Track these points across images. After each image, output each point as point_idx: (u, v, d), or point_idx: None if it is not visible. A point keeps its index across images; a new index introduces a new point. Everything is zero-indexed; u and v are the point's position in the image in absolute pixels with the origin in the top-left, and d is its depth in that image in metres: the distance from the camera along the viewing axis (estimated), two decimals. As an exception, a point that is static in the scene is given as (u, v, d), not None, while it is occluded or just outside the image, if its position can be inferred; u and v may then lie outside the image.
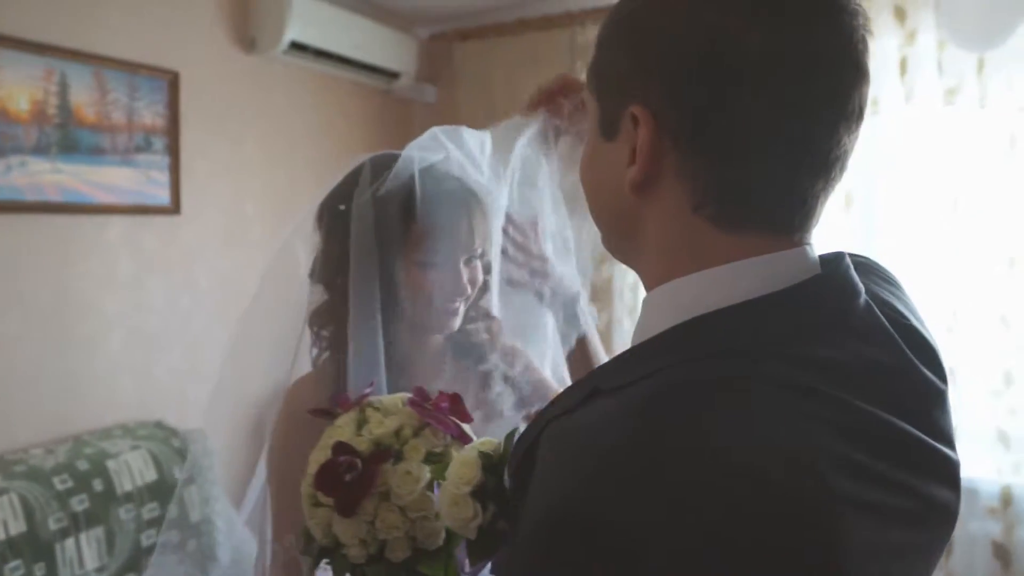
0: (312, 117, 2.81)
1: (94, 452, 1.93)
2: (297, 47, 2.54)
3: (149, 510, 1.99)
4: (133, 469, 1.98)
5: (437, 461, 0.75)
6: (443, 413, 0.80)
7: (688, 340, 0.52)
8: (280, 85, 2.67)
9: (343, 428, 0.81)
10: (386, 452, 0.75)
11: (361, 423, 0.85)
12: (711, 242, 0.54)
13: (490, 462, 0.63)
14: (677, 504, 0.42)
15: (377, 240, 1.08)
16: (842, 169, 0.54)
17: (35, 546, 1.72)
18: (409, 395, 0.87)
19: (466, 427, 0.85)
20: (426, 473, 0.74)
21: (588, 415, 0.51)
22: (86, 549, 1.81)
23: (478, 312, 1.22)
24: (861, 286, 0.57)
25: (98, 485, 1.88)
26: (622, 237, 0.61)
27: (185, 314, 2.38)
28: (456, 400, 0.84)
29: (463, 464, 0.64)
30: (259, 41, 2.52)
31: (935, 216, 2.36)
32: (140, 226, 2.25)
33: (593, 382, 0.55)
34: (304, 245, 1.29)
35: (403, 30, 3.02)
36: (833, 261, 0.57)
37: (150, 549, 1.95)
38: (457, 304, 1.09)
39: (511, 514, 0.58)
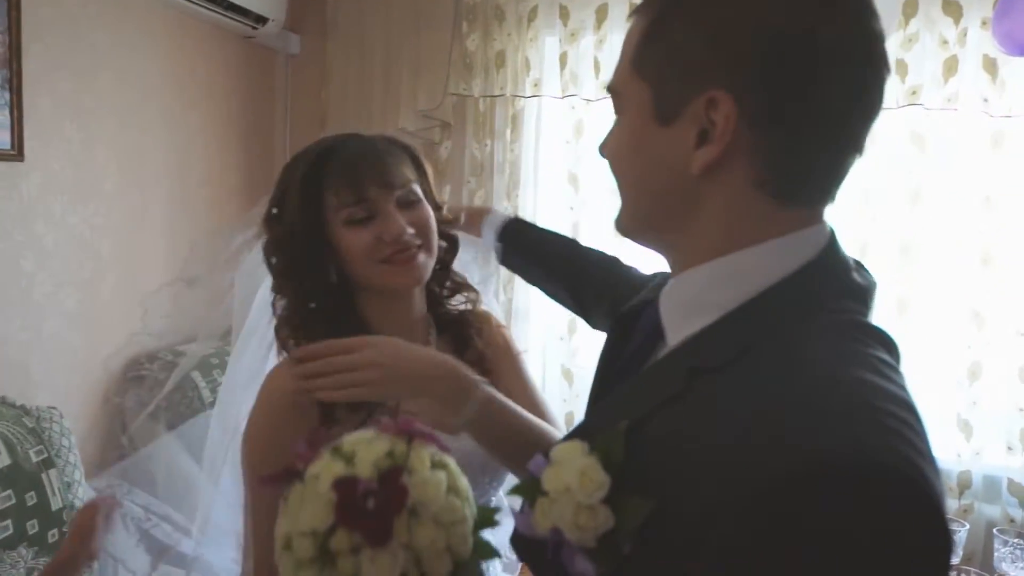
0: (169, 59, 2.53)
1: (-66, 436, 1.64)
2: (159, -22, 2.27)
3: (3, 499, 1.73)
4: (-18, 453, 1.72)
5: (442, 468, 0.69)
6: (418, 429, 0.71)
7: (767, 311, 0.58)
8: (134, 18, 2.37)
9: (325, 471, 0.68)
10: (398, 467, 0.66)
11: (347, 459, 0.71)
12: (768, 216, 0.59)
13: (609, 462, 0.58)
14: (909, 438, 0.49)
15: (305, 224, 1.05)
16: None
17: None
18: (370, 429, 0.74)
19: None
20: (441, 476, 0.68)
21: (741, 385, 0.54)
22: (-69, 549, 1.55)
23: (456, 284, 1.20)
24: None
25: (-58, 474, 1.61)
26: (665, 216, 0.63)
27: (27, 276, 2.07)
28: (418, 425, 0.72)
29: (580, 470, 0.58)
30: (116, -33, 2.22)
31: (896, 210, 2.51)
32: (-26, 172, 1.92)
33: (688, 363, 0.58)
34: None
35: (271, -29, 2.79)
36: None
37: (6, 541, 1.71)
38: (412, 252, 1.05)
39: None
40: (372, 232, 1.03)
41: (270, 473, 0.72)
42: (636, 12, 0.64)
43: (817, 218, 0.61)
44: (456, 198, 2.86)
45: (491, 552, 0.71)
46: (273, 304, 1.12)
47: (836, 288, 0.59)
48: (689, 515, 0.52)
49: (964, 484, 2.53)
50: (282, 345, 1.09)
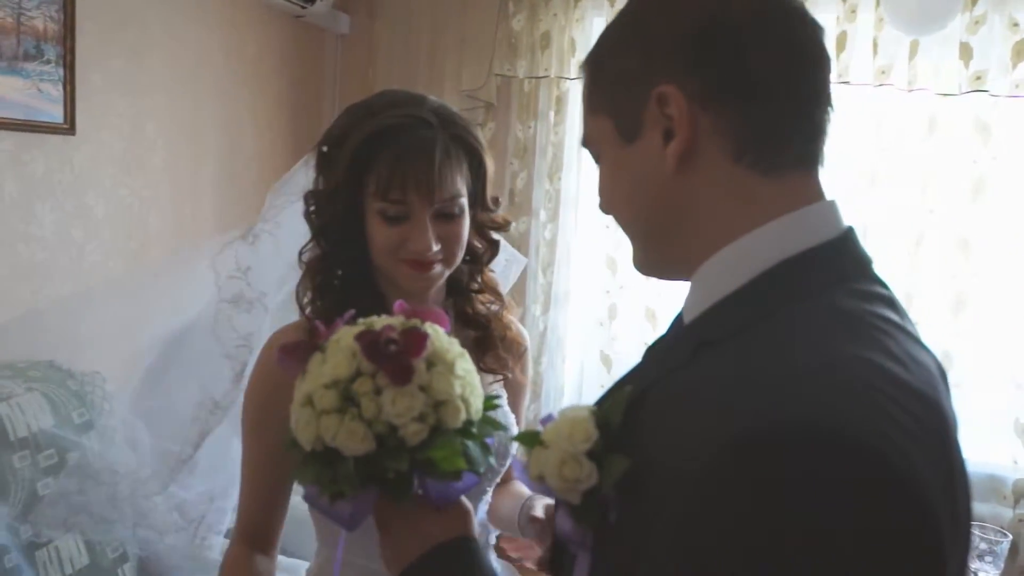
0: (219, 37, 2.59)
1: (-18, 394, 1.73)
2: (210, -42, 2.32)
3: (46, 457, 1.82)
4: (27, 413, 1.80)
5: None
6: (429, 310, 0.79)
7: (773, 288, 0.59)
8: (187, -2, 2.44)
9: (345, 335, 0.75)
10: (416, 326, 0.75)
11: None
12: (758, 191, 0.61)
13: (606, 421, 0.61)
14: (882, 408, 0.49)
15: (348, 186, 1.01)
16: (832, 103, 0.64)
17: (-82, 497, 1.54)
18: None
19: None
20: (453, 340, 0.77)
21: (733, 355, 0.55)
22: (-25, 499, 1.64)
23: (484, 285, 1.16)
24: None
25: (-12, 430, 1.70)
26: (668, 232, 0.65)
27: (78, 246, 2.16)
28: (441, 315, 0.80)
29: (574, 422, 0.61)
30: (167, -54, 2.27)
31: (849, 190, 2.45)
32: (28, 144, 2.00)
33: (695, 337, 0.61)
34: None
35: (322, -49, 2.82)
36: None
37: (48, 499, 1.79)
38: (431, 264, 1.01)
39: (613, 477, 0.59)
40: (400, 233, 0.99)
41: (292, 342, 0.78)
42: (580, 70, 0.72)
43: (813, 192, 0.62)
44: (499, 180, 2.84)
45: (498, 425, 0.79)
46: (300, 257, 1.08)
47: (847, 272, 0.60)
48: (663, 477, 0.53)
49: (1020, 492, 2.40)
50: (299, 305, 1.09)
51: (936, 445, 0.51)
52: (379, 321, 0.76)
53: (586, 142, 0.71)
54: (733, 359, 0.55)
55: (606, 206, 0.70)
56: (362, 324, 0.76)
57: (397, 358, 0.71)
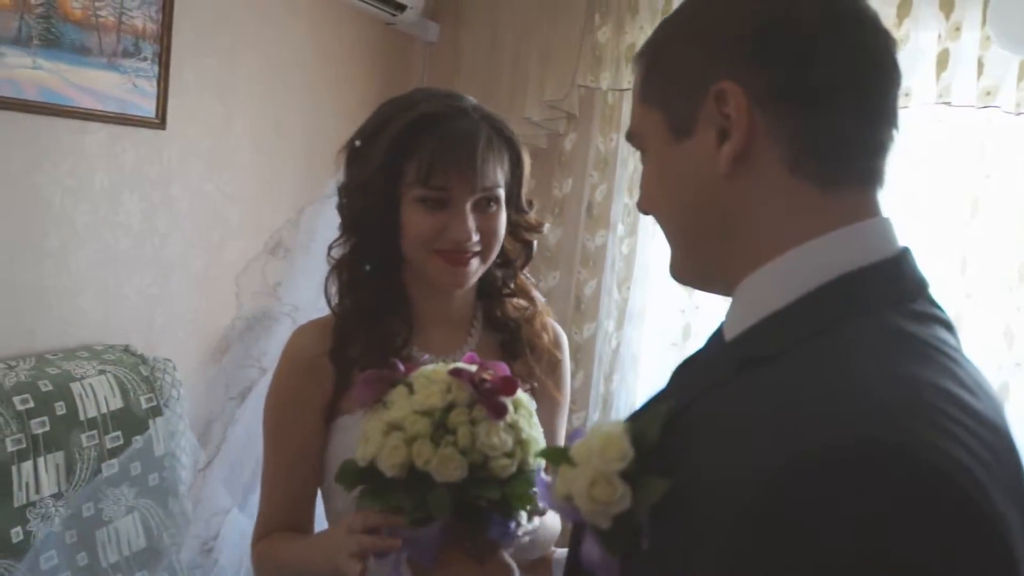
0: (310, 41, 2.65)
1: (58, 373, 1.81)
2: (303, -37, 2.37)
3: (112, 439, 1.88)
4: (98, 394, 1.87)
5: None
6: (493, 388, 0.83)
7: (828, 304, 0.54)
8: (279, 1, 2.50)
9: (434, 372, 0.84)
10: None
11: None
12: (814, 205, 0.57)
13: (642, 438, 0.56)
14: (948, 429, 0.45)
15: (385, 174, 0.99)
16: (899, 122, 0.60)
17: (-10, 466, 1.61)
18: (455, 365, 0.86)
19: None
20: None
21: (786, 371, 0.51)
22: (43, 474, 1.70)
23: (518, 289, 1.12)
24: None
25: (60, 408, 1.76)
26: (711, 238, 0.61)
27: (161, 236, 2.24)
28: (509, 383, 0.85)
29: (607, 439, 0.56)
30: (264, -49, 2.34)
31: (951, 217, 2.30)
32: (121, 137, 2.09)
33: (739, 353, 0.57)
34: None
35: (414, -40, 2.85)
36: None
37: (111, 479, 1.85)
38: (467, 256, 0.99)
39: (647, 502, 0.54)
40: (438, 221, 0.98)
41: (373, 374, 0.86)
42: (634, 60, 0.68)
43: (870, 208, 0.58)
44: (578, 191, 2.80)
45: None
46: (329, 252, 1.07)
47: (903, 293, 0.56)
48: (707, 496, 0.48)
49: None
50: (327, 299, 1.07)
51: (1012, 481, 0.47)
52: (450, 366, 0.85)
53: (631, 135, 0.68)
54: (786, 375, 0.51)
55: (647, 205, 0.67)
56: (441, 365, 0.86)
57: (495, 394, 0.78)
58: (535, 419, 0.84)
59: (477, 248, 0.99)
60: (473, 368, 0.83)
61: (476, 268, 1.01)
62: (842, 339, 0.52)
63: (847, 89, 0.57)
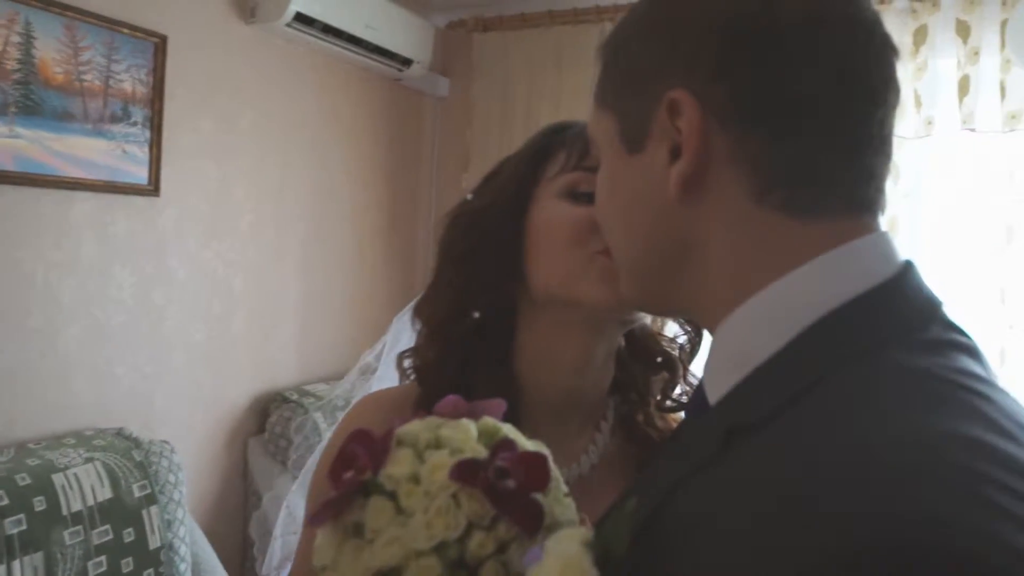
0: (313, 100, 2.56)
1: (38, 464, 1.64)
2: (302, 20, 2.29)
3: (100, 534, 1.70)
4: (84, 485, 1.70)
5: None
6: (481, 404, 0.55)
7: (816, 350, 0.45)
8: (280, 61, 2.41)
9: (440, 461, 0.51)
10: (507, 439, 0.53)
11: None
12: (785, 235, 0.48)
13: (607, 554, 0.43)
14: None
15: (510, 194, 0.77)
16: (891, 149, 0.51)
17: (-44, 575, 1.44)
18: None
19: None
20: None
21: (777, 445, 0.42)
22: (19, 580, 1.52)
23: (664, 360, 0.83)
24: None
25: (39, 504, 1.59)
26: (669, 270, 0.52)
27: (157, 310, 2.10)
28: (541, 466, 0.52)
29: (564, 563, 0.43)
30: (260, 9, 2.26)
31: (985, 246, 2.16)
32: (110, 206, 1.98)
33: (725, 421, 0.47)
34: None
35: (420, 14, 2.78)
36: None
37: (97, 581, 1.66)
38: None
39: None
40: (591, 213, 0.70)
41: (324, 501, 0.51)
42: (596, 54, 0.59)
43: (860, 229, 0.48)
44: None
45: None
46: (415, 313, 0.84)
47: (907, 322, 0.46)
48: None
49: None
50: (400, 370, 0.85)
51: None
52: (450, 433, 0.53)
53: (588, 139, 0.61)
54: (777, 451, 0.42)
55: (599, 220, 0.60)
56: (427, 424, 0.54)
57: (522, 497, 0.50)
58: (564, 489, 0.54)
59: None
60: (477, 445, 0.53)
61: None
62: (840, 394, 0.43)
63: (826, 112, 0.47)
